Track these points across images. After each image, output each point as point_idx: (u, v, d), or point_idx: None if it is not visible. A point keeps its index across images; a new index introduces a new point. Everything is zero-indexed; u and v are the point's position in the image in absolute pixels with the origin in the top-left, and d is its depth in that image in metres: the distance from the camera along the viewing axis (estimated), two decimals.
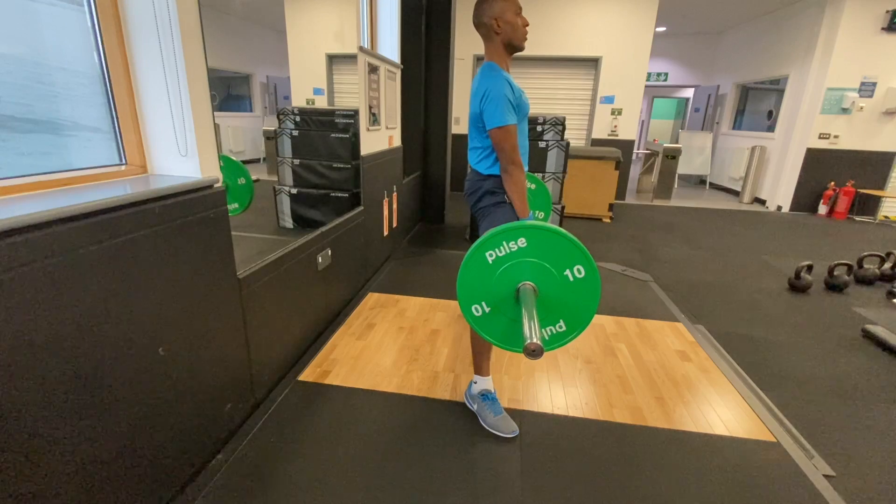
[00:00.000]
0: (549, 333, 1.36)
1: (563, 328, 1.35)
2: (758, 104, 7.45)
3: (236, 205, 2.47)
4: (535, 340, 1.09)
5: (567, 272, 1.29)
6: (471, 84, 1.68)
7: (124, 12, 1.21)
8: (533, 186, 2.65)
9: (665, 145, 6.66)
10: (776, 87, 6.80)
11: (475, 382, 1.75)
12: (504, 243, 1.31)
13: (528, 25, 1.64)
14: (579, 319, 1.33)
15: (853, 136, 5.89)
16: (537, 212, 2.73)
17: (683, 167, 7.59)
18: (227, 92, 4.21)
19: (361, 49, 2.61)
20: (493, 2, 1.60)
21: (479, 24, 1.67)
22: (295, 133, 3.29)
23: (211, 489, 1.36)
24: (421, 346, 2.25)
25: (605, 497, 1.40)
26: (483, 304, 1.38)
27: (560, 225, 3.95)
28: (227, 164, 2.48)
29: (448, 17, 4.12)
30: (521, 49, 1.67)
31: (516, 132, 1.58)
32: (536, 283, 1.32)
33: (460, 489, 1.40)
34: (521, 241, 1.30)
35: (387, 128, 3.22)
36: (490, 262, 1.33)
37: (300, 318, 2.06)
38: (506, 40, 1.63)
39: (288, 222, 3.42)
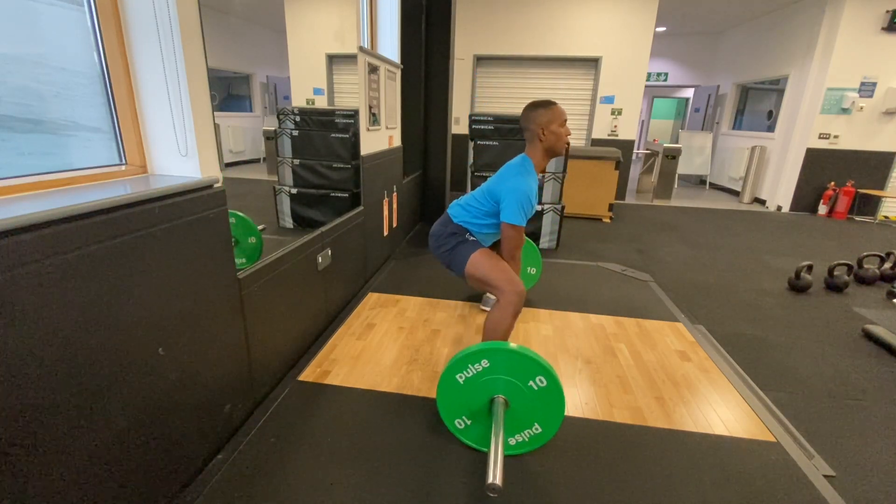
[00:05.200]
0: (528, 436, 1.51)
1: (539, 430, 1.50)
2: (758, 104, 7.45)
3: (243, 259, 2.53)
4: (493, 481, 1.18)
5: (531, 383, 1.44)
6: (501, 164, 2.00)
7: (124, 12, 1.21)
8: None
9: (665, 145, 6.66)
10: (776, 87, 6.80)
11: None
12: (469, 366, 1.47)
13: (570, 135, 1.86)
14: (551, 422, 1.48)
15: (853, 136, 5.89)
16: (529, 268, 2.92)
17: (683, 167, 7.59)
18: (227, 92, 4.21)
19: (361, 49, 2.61)
20: (542, 112, 1.81)
21: (525, 129, 1.87)
22: (295, 133, 3.29)
23: (211, 489, 1.36)
24: (421, 346, 2.25)
25: (605, 497, 1.39)
26: (464, 417, 1.55)
27: (560, 225, 3.95)
28: (239, 222, 2.50)
29: (448, 17, 4.11)
30: (560, 155, 2.00)
31: (523, 232, 1.85)
32: (507, 396, 1.47)
33: (460, 489, 1.40)
34: (484, 363, 1.46)
35: (387, 128, 3.22)
36: (461, 382, 1.49)
37: (300, 318, 2.06)
38: (548, 147, 1.84)
39: (288, 222, 3.42)
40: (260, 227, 2.58)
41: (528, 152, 1.88)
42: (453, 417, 1.56)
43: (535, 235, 3.93)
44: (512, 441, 1.52)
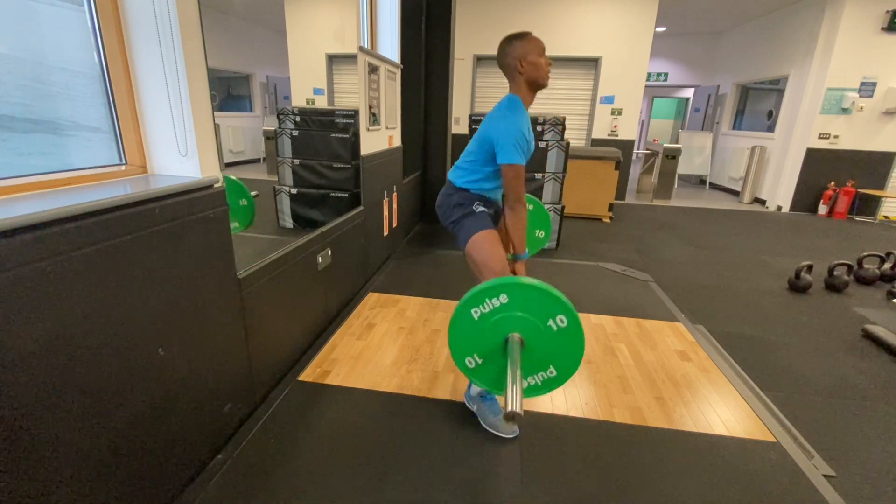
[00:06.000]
0: (542, 379, 1.42)
1: (554, 373, 1.41)
2: (758, 104, 7.45)
3: (236, 223, 2.45)
4: (513, 409, 1.13)
5: (550, 322, 1.34)
6: (487, 111, 1.80)
7: (124, 12, 1.21)
8: (531, 207, 2.72)
9: (665, 145, 6.66)
10: (776, 87, 6.80)
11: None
12: (487, 300, 1.37)
13: (551, 65, 1.74)
14: (568, 365, 1.39)
15: (853, 136, 5.89)
16: (537, 231, 2.79)
17: (683, 167, 7.59)
18: (227, 92, 4.20)
19: (361, 49, 2.61)
20: (516, 44, 1.70)
21: (503, 65, 1.76)
22: (295, 133, 3.29)
23: (211, 489, 1.36)
24: (421, 346, 2.25)
25: (605, 497, 1.39)
26: (475, 356, 1.45)
27: (560, 225, 3.95)
28: (228, 185, 2.47)
29: (448, 17, 4.11)
30: (545, 87, 1.79)
31: (523, 172, 1.70)
32: (523, 335, 1.37)
33: (460, 489, 1.40)
34: (503, 298, 1.36)
35: (387, 128, 3.22)
36: (476, 318, 1.40)
37: (300, 317, 2.06)
38: (529, 80, 1.72)
39: (288, 222, 3.42)
40: (253, 193, 2.50)
41: (512, 90, 1.79)
42: (464, 356, 1.46)
43: None
44: (524, 383, 1.43)
